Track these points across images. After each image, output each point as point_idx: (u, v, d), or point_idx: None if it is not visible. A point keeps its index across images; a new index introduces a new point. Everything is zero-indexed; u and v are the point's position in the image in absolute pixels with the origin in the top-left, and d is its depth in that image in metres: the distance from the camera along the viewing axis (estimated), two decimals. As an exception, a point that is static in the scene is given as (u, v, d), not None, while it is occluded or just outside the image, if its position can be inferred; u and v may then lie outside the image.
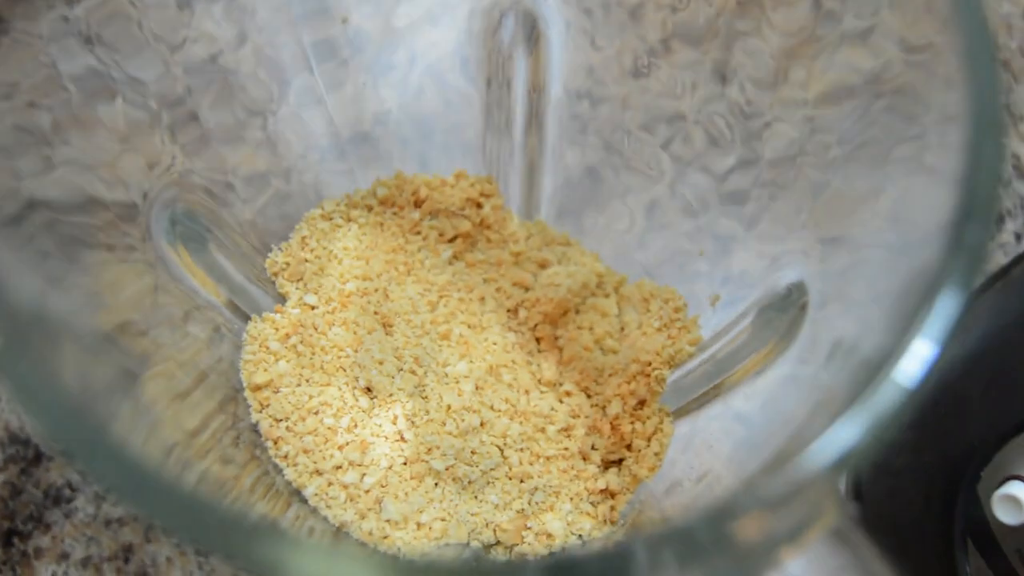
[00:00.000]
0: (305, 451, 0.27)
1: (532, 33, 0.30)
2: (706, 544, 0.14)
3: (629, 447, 0.28)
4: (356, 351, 0.28)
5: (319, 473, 0.26)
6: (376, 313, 0.29)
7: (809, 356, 0.23)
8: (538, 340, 0.31)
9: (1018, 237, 0.35)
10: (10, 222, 0.16)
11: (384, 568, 0.12)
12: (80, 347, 0.18)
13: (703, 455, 0.26)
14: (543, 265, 0.32)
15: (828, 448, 0.15)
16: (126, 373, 0.21)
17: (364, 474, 0.26)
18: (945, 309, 0.15)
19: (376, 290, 0.30)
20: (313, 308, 0.29)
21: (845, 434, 0.15)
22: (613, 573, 0.13)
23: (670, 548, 0.13)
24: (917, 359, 0.15)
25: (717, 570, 0.15)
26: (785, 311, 0.25)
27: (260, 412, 0.27)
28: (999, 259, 0.34)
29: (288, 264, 0.30)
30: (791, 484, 0.15)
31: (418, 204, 0.32)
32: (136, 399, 0.20)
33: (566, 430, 0.28)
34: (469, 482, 0.27)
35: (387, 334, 0.29)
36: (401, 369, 0.28)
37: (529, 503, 0.27)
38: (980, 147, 0.16)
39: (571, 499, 0.27)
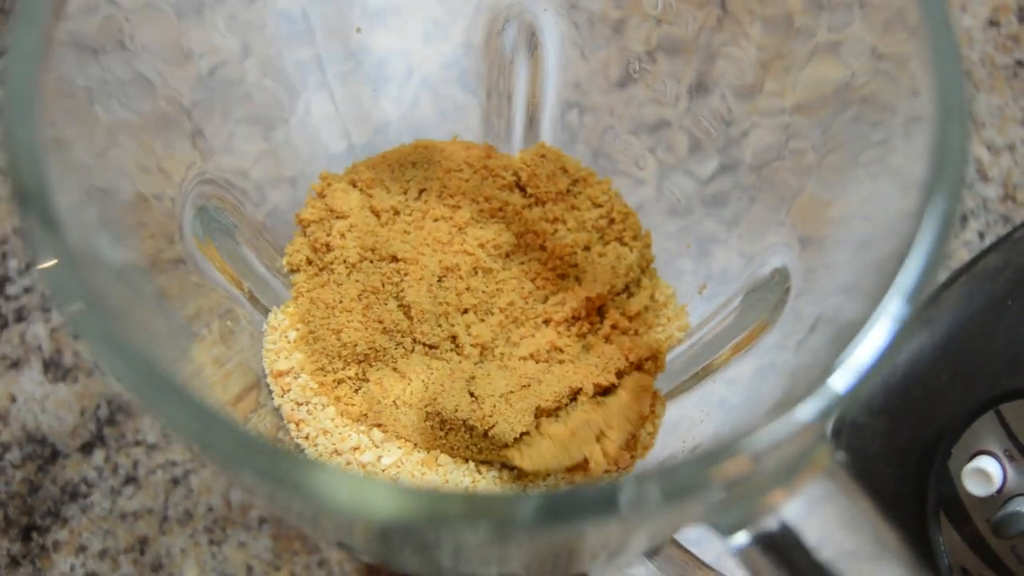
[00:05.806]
0: (324, 432, 0.28)
1: (532, 41, 0.32)
2: (689, 483, 0.15)
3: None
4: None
5: (338, 453, 0.28)
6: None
7: (788, 340, 0.25)
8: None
9: (981, 236, 0.37)
10: (75, 208, 0.17)
11: (400, 491, 0.14)
12: (142, 315, 0.20)
13: (693, 431, 0.28)
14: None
15: (807, 407, 0.16)
16: (180, 338, 0.22)
17: (380, 455, 0.28)
18: (911, 280, 0.17)
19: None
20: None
21: (822, 393, 0.16)
22: (602, 502, 0.15)
23: (657, 484, 0.15)
24: (887, 325, 0.16)
25: (703, 508, 0.17)
26: (770, 291, 0.26)
27: (282, 396, 0.29)
28: (963, 256, 0.36)
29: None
30: (774, 438, 0.16)
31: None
32: (189, 363, 0.22)
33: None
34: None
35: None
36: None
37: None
38: (947, 141, 0.17)
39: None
